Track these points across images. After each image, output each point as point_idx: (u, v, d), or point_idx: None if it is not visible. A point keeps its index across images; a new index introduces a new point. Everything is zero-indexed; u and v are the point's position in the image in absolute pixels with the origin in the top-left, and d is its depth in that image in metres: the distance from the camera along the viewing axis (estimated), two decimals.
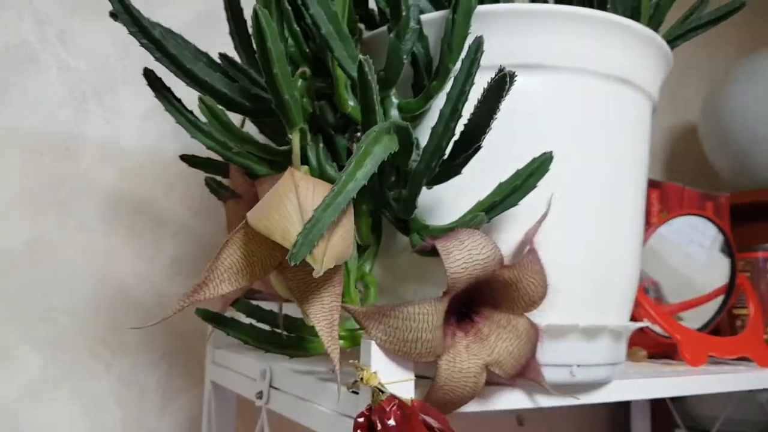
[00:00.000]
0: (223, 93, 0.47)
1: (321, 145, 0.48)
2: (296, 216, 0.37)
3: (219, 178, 0.58)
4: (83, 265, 0.75)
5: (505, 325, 0.46)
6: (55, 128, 0.76)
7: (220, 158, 0.53)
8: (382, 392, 0.41)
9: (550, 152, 0.46)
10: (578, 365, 0.51)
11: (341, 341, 0.45)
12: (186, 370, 0.80)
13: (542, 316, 0.48)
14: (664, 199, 0.88)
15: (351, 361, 0.42)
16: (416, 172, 0.43)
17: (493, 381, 0.48)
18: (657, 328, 0.78)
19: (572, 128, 0.50)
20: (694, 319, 0.84)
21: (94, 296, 0.75)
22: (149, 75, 0.48)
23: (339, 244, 0.38)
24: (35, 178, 0.74)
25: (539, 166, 0.45)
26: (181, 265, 0.81)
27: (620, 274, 0.53)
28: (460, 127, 0.43)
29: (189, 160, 0.54)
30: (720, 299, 0.84)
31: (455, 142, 0.45)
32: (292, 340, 0.46)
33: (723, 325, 0.87)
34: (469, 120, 0.42)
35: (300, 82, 0.48)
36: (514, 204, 0.46)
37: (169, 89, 0.49)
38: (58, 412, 0.72)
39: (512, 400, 0.50)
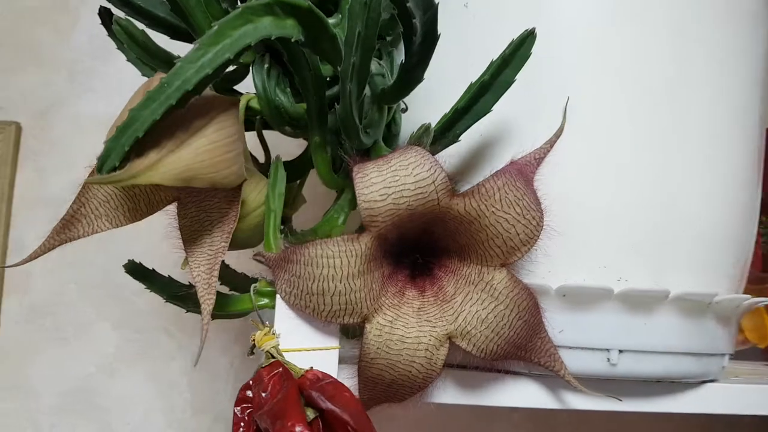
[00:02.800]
0: (162, 19, 0.41)
1: (267, 65, 0.39)
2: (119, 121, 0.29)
3: None
4: (153, 243, 0.75)
5: (476, 282, 0.33)
6: None
7: None
8: (274, 358, 0.31)
9: (532, 29, 0.32)
10: (621, 350, 0.35)
11: (265, 299, 0.36)
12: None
13: (554, 271, 0.34)
14: None
15: (251, 320, 0.33)
16: (344, 69, 0.32)
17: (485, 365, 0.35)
18: None
19: None
20: None
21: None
22: (103, 14, 0.44)
23: (191, 157, 0.29)
24: None
25: (516, 50, 0.32)
26: None
27: (686, 217, 0.36)
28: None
29: None
30: None
31: (403, 34, 0.34)
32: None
33: None
34: None
35: None
36: (486, 110, 0.33)
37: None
38: (132, 390, 0.72)
39: (522, 394, 0.36)
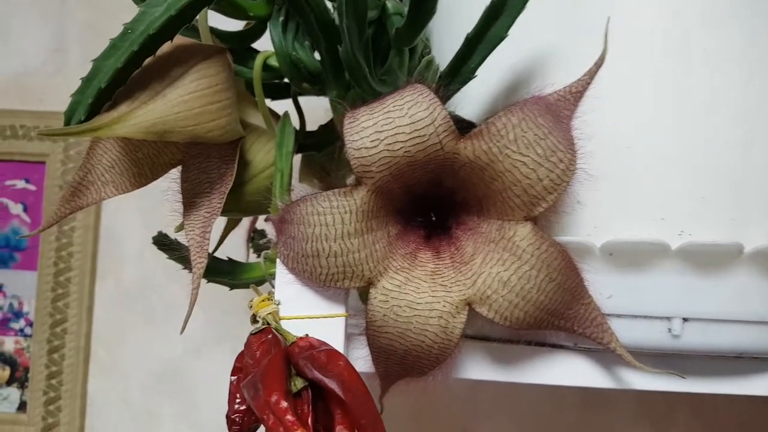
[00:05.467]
0: None
1: (282, 18, 0.37)
2: None
3: None
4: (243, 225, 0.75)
5: (497, 240, 0.28)
6: None
7: None
8: (269, 325, 0.28)
9: None
10: (685, 318, 0.29)
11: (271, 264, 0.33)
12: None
13: (601, 225, 0.29)
14: None
15: (251, 285, 0.31)
16: (338, 4, 0.29)
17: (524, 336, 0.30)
18: None
19: None
20: None
21: None
22: None
23: (165, 109, 0.27)
24: None
25: None
26: None
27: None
28: None
29: None
30: None
31: None
32: (226, 264, 0.36)
33: None
34: None
35: None
36: (501, 36, 0.28)
37: None
38: (217, 370, 0.72)
39: (569, 370, 0.31)
